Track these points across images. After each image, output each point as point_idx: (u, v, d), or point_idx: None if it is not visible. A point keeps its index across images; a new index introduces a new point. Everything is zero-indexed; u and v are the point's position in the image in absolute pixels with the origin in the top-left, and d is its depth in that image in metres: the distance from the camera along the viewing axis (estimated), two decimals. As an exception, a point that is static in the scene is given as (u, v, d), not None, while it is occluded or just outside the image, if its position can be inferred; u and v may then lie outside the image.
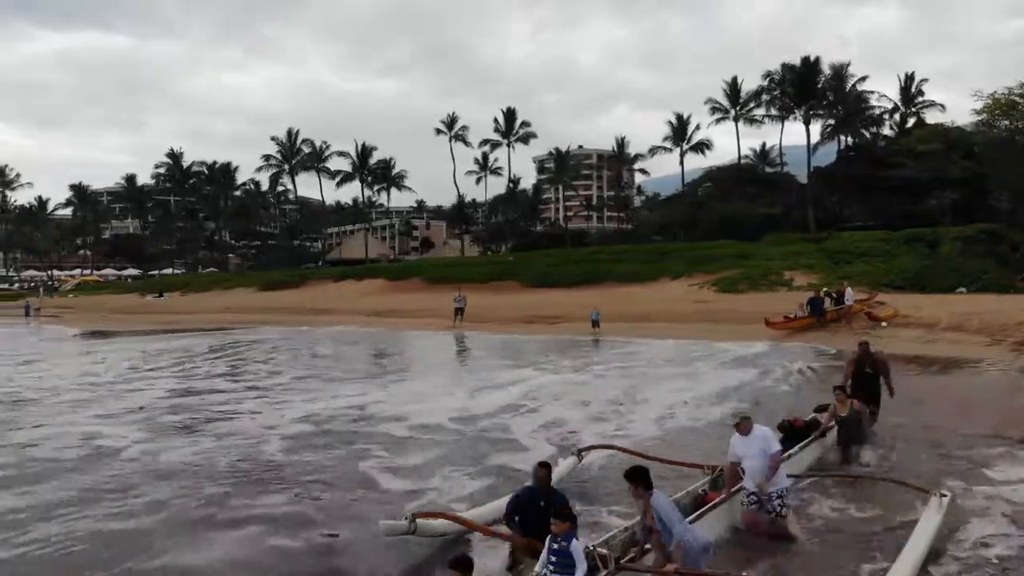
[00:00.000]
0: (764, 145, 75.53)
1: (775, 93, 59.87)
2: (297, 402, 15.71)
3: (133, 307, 54.10)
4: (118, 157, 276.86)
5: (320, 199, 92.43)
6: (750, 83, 63.99)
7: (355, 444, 12.04)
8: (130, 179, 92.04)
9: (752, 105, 63.07)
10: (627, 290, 38.61)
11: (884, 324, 24.80)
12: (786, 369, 19.11)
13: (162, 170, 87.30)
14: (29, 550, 7.56)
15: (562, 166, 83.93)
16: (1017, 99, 37.84)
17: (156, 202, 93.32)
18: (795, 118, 60.21)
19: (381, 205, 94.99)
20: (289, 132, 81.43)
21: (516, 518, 6.77)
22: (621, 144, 78.99)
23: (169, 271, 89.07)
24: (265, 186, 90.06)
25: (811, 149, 59.18)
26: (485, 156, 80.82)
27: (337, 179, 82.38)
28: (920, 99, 60.12)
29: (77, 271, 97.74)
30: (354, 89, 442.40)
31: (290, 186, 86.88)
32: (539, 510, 6.44)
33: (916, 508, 7.50)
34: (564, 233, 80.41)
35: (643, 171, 79.95)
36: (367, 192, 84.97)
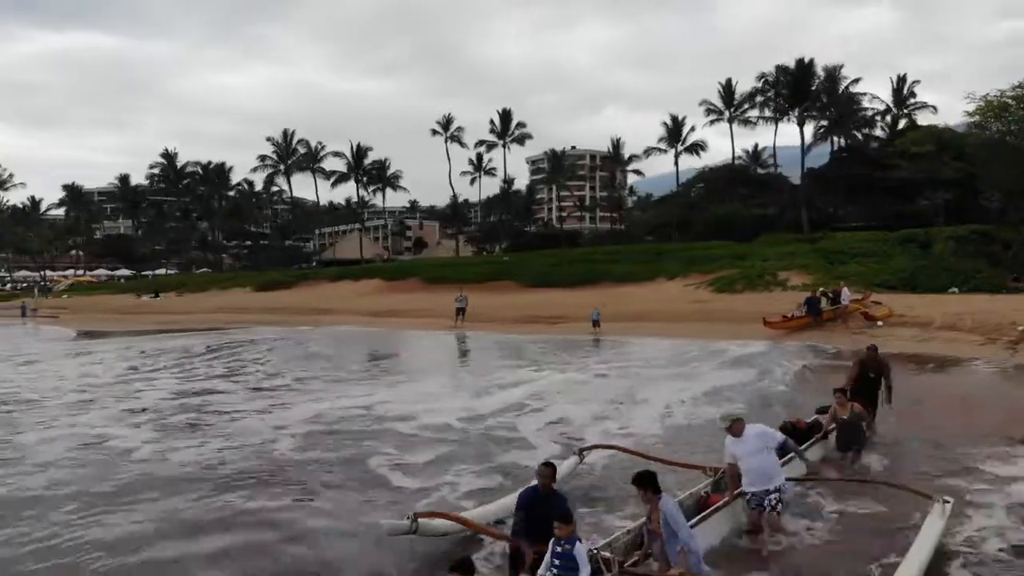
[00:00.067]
0: (756, 146, 76.17)
1: (769, 95, 60.28)
2: (303, 402, 15.79)
3: (130, 307, 53.88)
4: (111, 157, 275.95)
5: (315, 199, 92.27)
6: (743, 84, 64.58)
7: (364, 443, 12.14)
8: (123, 179, 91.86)
9: (746, 106, 63.54)
10: (623, 290, 38.80)
11: (880, 323, 25.08)
12: (785, 368, 19.31)
13: (156, 170, 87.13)
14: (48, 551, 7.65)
15: (557, 167, 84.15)
16: (1009, 101, 38.14)
17: (150, 202, 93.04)
18: (789, 119, 60.67)
19: (373, 205, 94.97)
20: (285, 132, 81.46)
21: (523, 515, 6.68)
22: (617, 145, 79.32)
23: (162, 271, 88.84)
24: (259, 186, 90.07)
25: (804, 150, 59.61)
26: (480, 157, 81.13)
27: (332, 179, 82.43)
28: (912, 101, 60.82)
29: (70, 271, 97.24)
30: (347, 89, 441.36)
31: (285, 187, 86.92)
32: (541, 510, 6.38)
33: (918, 513, 7.46)
34: (559, 233, 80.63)
35: (638, 172, 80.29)
36: (362, 192, 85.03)
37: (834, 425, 10.55)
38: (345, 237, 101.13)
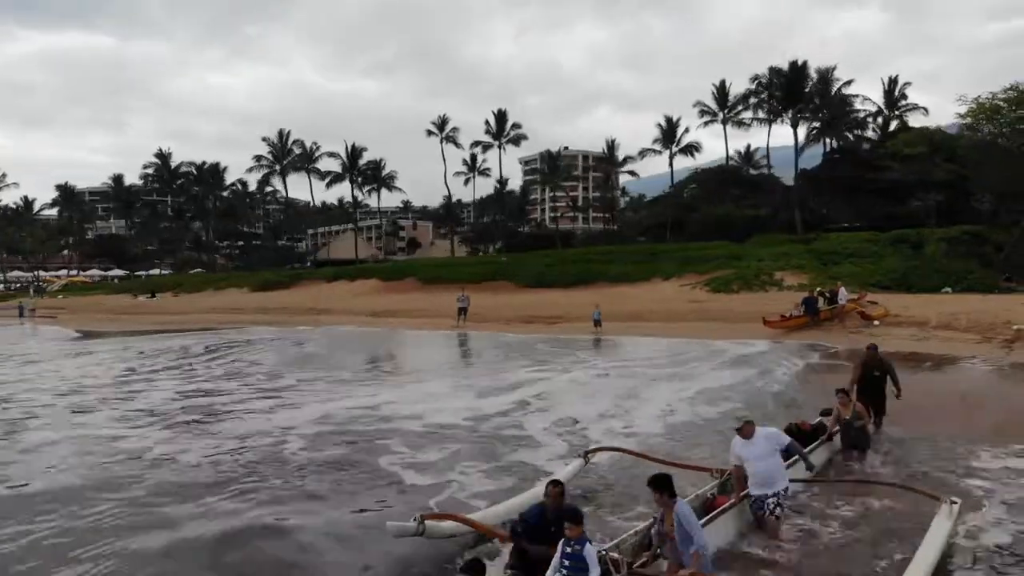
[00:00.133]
0: (749, 147, 76.62)
1: (762, 96, 60.67)
2: (310, 403, 15.83)
3: (127, 308, 53.71)
4: (102, 157, 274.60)
5: (309, 199, 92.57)
6: (735, 85, 65.07)
7: (374, 442, 12.20)
8: (117, 179, 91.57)
9: (740, 108, 63.94)
10: (620, 290, 38.99)
11: (876, 323, 25.37)
12: (786, 366, 19.50)
13: (150, 170, 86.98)
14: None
15: (554, 168, 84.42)
16: (1001, 104, 38.58)
17: (143, 202, 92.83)
18: (783, 121, 61.07)
19: (367, 206, 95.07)
20: (280, 133, 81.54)
21: (519, 529, 6.61)
22: (611, 146, 79.67)
23: (156, 272, 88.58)
24: (252, 186, 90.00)
25: (798, 151, 59.99)
26: (474, 157, 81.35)
27: (327, 180, 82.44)
28: (903, 102, 61.33)
29: (62, 272, 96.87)
30: (338, 89, 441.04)
31: (280, 187, 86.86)
32: (546, 529, 6.27)
33: (925, 514, 7.43)
34: (554, 234, 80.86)
35: (632, 173, 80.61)
36: (356, 193, 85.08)
37: (838, 427, 10.62)
38: (339, 237, 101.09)
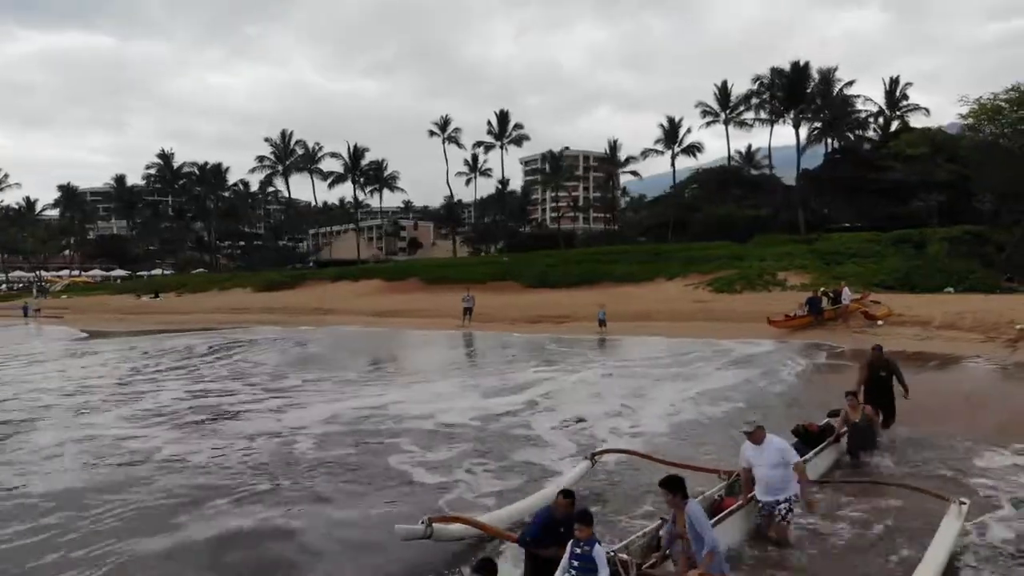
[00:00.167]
0: (750, 147, 76.66)
1: (764, 97, 60.72)
2: (318, 403, 15.92)
3: (131, 308, 53.83)
4: (102, 157, 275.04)
5: (311, 200, 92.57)
6: (736, 85, 65.26)
7: (383, 442, 12.29)
8: (119, 179, 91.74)
9: (742, 108, 64.00)
10: (624, 290, 39.03)
11: (880, 323, 25.43)
12: (790, 366, 19.59)
13: (153, 171, 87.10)
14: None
15: (556, 168, 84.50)
16: (1003, 104, 38.62)
17: (145, 203, 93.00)
18: (784, 121, 61.08)
19: (368, 206, 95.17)
20: (283, 133, 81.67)
21: (528, 538, 6.51)
22: (613, 147, 79.72)
23: (158, 272, 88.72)
24: (254, 186, 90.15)
25: (799, 151, 60.07)
26: (475, 157, 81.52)
27: (329, 180, 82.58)
28: (904, 103, 61.37)
29: (64, 272, 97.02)
30: (338, 89, 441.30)
31: (282, 187, 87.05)
32: (555, 530, 6.25)
33: (934, 515, 7.42)
34: (556, 234, 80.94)
35: (635, 173, 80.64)
36: (358, 193, 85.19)
37: (846, 428, 10.61)
38: (340, 237, 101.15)
